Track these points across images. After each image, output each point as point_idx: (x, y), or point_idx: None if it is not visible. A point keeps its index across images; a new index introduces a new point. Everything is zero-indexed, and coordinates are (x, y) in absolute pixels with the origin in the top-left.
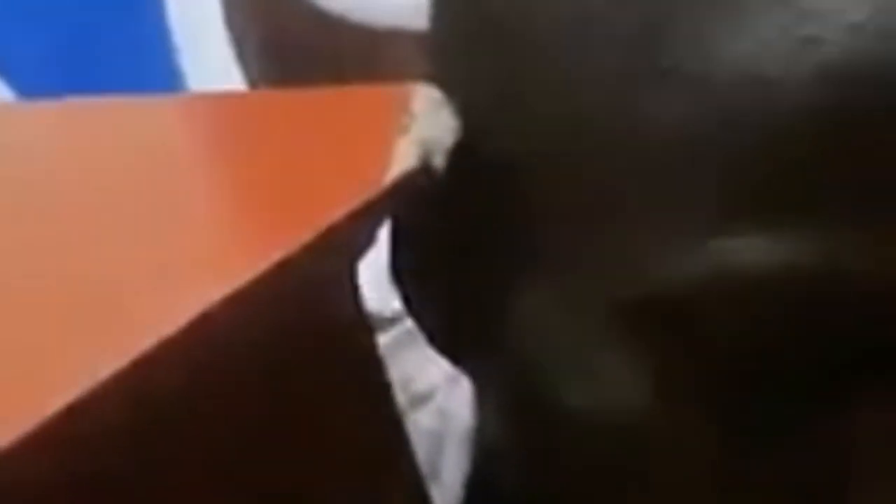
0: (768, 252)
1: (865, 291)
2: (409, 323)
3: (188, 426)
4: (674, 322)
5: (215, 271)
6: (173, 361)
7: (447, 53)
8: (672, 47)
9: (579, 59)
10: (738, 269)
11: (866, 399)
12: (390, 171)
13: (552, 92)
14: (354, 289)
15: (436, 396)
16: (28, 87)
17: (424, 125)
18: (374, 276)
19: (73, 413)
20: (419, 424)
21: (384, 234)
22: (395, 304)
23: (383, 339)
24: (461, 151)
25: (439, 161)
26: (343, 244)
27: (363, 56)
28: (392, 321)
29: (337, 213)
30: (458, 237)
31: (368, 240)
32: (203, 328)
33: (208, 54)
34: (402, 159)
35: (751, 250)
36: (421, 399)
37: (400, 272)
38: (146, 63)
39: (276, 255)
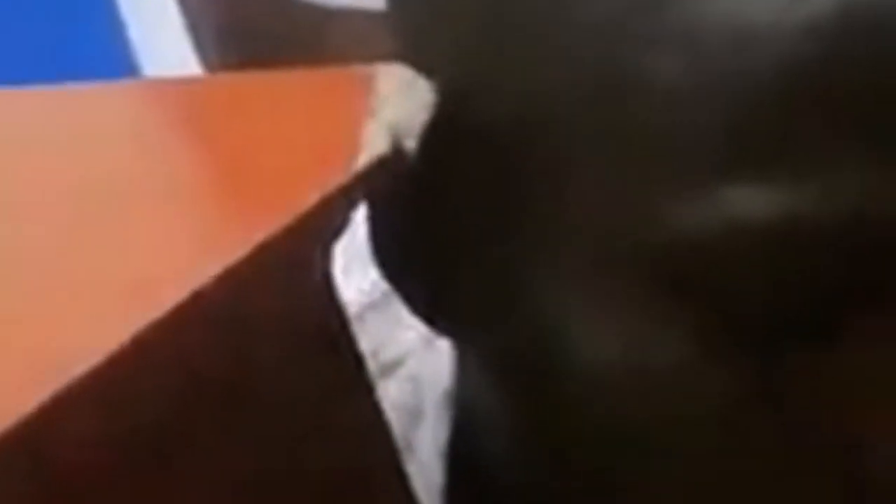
0: (770, 201)
1: (866, 234)
2: (380, 288)
3: (165, 412)
4: (685, 274)
5: (188, 259)
6: (154, 351)
7: (417, 27)
8: (665, 3)
9: (570, 18)
10: (742, 219)
11: (856, 338)
12: (361, 155)
13: (542, 55)
14: (327, 272)
15: (407, 363)
16: None
17: (394, 107)
18: (350, 258)
19: (50, 408)
20: (391, 393)
21: (360, 212)
22: (371, 280)
23: (353, 307)
24: (442, 122)
25: (411, 144)
26: (316, 230)
27: (319, 36)
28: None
29: (309, 198)
30: (447, 206)
31: (342, 224)
32: (181, 315)
33: (163, 42)
34: (373, 143)
35: (753, 200)
36: (391, 366)
37: (380, 244)
38: (99, 52)
39: (250, 242)
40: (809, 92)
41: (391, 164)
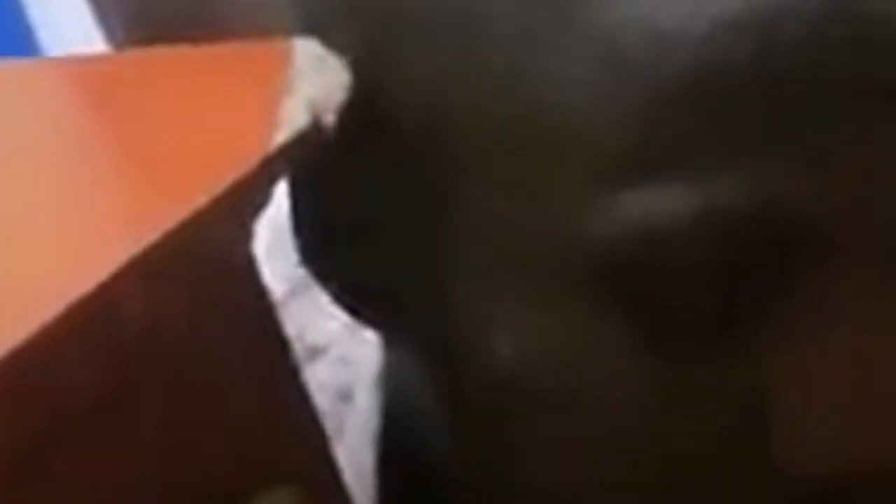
0: (679, 199)
1: (743, 227)
2: (301, 273)
3: (84, 393)
4: (599, 271)
5: (96, 246)
6: (70, 335)
7: (326, 9)
8: (574, 8)
9: (479, 21)
10: (651, 217)
11: (778, 318)
12: (280, 132)
13: (452, 54)
14: (249, 251)
15: (332, 348)
16: None
17: (311, 82)
18: (272, 241)
19: None
20: (320, 376)
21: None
22: (293, 265)
23: (277, 292)
24: (356, 106)
25: (330, 119)
26: (235, 208)
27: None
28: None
29: (228, 177)
30: (364, 194)
31: (262, 201)
32: (99, 298)
33: (63, 20)
34: (292, 119)
35: (663, 199)
36: (318, 350)
37: (301, 233)
38: None
39: (164, 225)
40: (717, 91)
41: (311, 140)
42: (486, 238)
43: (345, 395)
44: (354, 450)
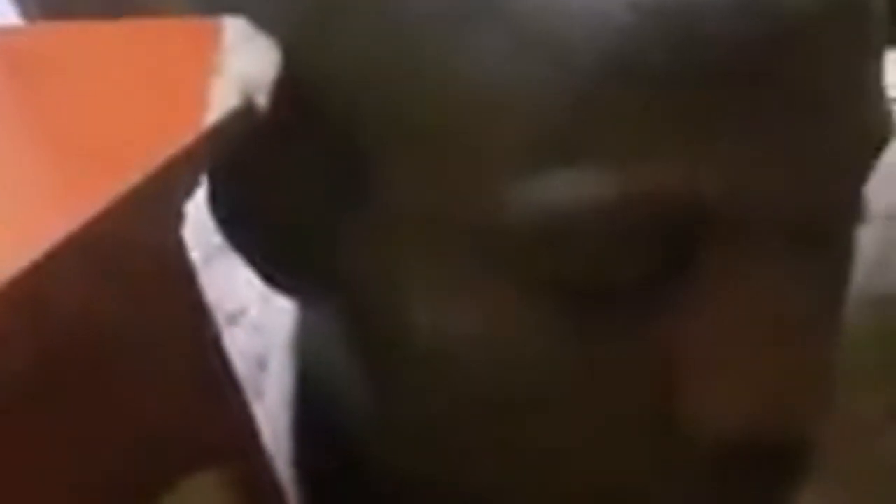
0: (585, 182)
1: (651, 207)
2: (216, 240)
3: (7, 375)
4: (518, 250)
5: (31, 226)
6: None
7: None
8: None
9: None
10: (567, 200)
11: (674, 300)
12: (210, 112)
13: (376, 27)
14: (179, 233)
15: (248, 314)
16: None
17: (240, 61)
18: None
19: None
20: (238, 341)
21: None
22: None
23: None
24: (280, 81)
25: (262, 100)
26: (165, 191)
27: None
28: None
29: (157, 159)
30: (284, 165)
31: (193, 184)
32: (26, 283)
33: None
34: (222, 99)
35: (569, 182)
36: (236, 315)
37: (219, 200)
38: None
39: (96, 206)
40: (636, 79)
41: (243, 120)
42: (406, 217)
43: (261, 363)
44: (272, 413)
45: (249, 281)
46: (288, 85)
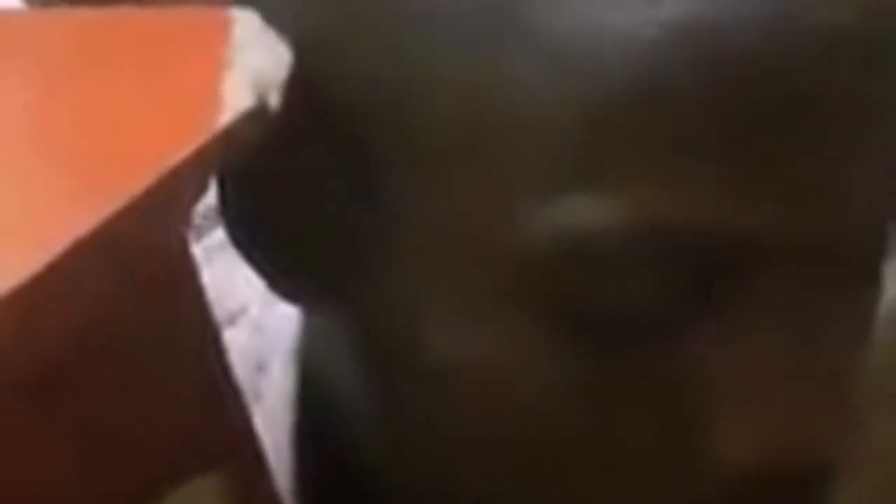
0: (612, 208)
1: (673, 239)
2: (218, 236)
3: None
4: (531, 273)
5: (35, 232)
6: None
7: None
8: (530, 6)
9: (426, 13)
10: (585, 222)
11: (700, 331)
12: (223, 111)
13: (394, 46)
14: (185, 237)
15: (248, 314)
16: None
17: (252, 57)
18: None
19: None
20: (239, 341)
21: None
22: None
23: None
24: (300, 86)
25: (275, 101)
26: (174, 195)
27: None
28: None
29: (168, 162)
30: (300, 171)
31: (203, 188)
32: (35, 289)
33: None
34: (235, 98)
35: (597, 207)
36: (236, 314)
37: (230, 206)
38: None
39: (103, 212)
40: (661, 99)
41: (256, 121)
42: (421, 235)
43: (260, 365)
44: (272, 418)
45: (250, 280)
46: (300, 87)
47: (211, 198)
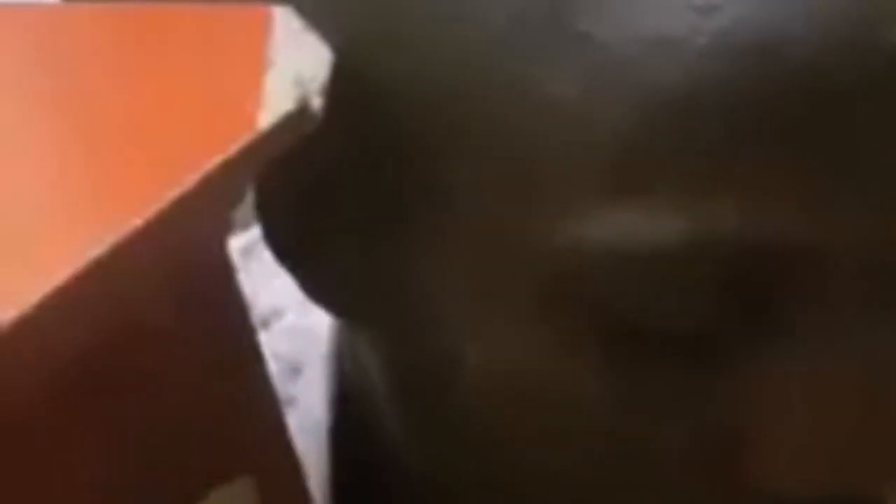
0: (654, 222)
1: (730, 253)
2: (251, 235)
3: (44, 382)
4: (570, 287)
5: (75, 234)
6: (40, 327)
7: None
8: (578, 14)
9: (470, 15)
10: (631, 233)
11: (747, 358)
12: (263, 112)
13: (433, 55)
14: (225, 244)
15: (286, 315)
16: None
17: (293, 57)
18: None
19: None
20: (273, 345)
21: None
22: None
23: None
24: (343, 86)
25: (317, 104)
26: (216, 200)
27: None
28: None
29: (209, 162)
30: (336, 180)
31: (243, 192)
32: (76, 290)
33: None
34: (277, 99)
35: (638, 221)
36: (270, 317)
37: (269, 217)
38: None
39: (142, 214)
40: (710, 107)
41: (298, 124)
42: (461, 244)
43: (295, 369)
44: (305, 423)
45: (286, 283)
46: (341, 90)
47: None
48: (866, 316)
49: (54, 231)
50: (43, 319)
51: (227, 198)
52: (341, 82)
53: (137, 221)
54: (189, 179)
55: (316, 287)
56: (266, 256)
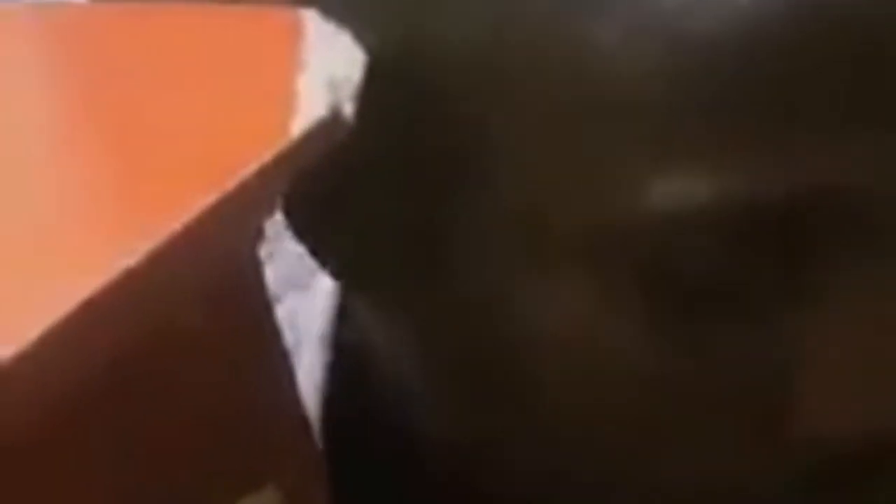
0: (709, 184)
1: (781, 214)
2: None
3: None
4: (618, 246)
5: (108, 241)
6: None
7: None
8: None
9: None
10: (676, 195)
11: (792, 310)
12: (296, 118)
13: (487, 7)
14: (256, 253)
15: (285, 298)
16: None
17: (325, 60)
18: None
19: None
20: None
21: None
22: None
23: None
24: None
25: (349, 109)
26: (247, 209)
27: None
28: None
29: (243, 170)
30: (370, 162)
31: (276, 201)
32: (107, 300)
33: None
34: (310, 104)
35: (692, 184)
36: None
37: (293, 200)
38: None
39: (170, 225)
40: (761, 68)
41: (332, 131)
42: (504, 219)
43: (293, 348)
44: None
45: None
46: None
47: None
48: (889, 267)
49: (87, 238)
50: (75, 329)
51: (257, 208)
52: (381, 52)
53: (169, 231)
54: (220, 190)
55: (340, 266)
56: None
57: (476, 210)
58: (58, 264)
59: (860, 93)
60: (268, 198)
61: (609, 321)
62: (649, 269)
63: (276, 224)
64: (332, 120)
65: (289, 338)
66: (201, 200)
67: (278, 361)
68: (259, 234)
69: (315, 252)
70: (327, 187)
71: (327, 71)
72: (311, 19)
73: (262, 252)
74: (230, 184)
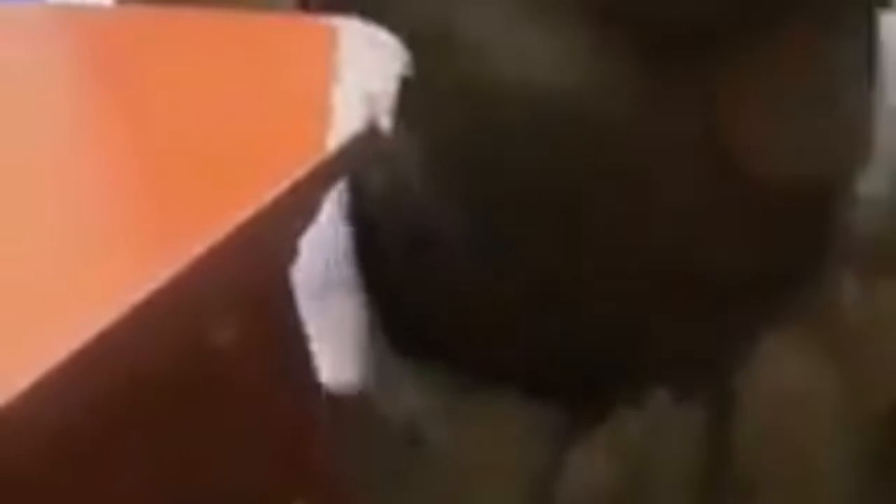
0: None
1: None
2: None
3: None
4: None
5: (144, 255)
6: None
7: None
8: None
9: None
10: None
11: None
12: (332, 131)
13: None
14: (289, 270)
15: None
16: None
17: (361, 71)
18: None
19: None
20: None
21: None
22: None
23: None
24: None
25: (386, 122)
26: (285, 222)
27: None
28: None
29: (277, 184)
30: None
31: (312, 217)
32: (138, 318)
33: None
34: (345, 117)
35: None
36: None
37: None
38: None
39: (209, 240)
40: None
41: (368, 145)
42: None
43: None
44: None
45: None
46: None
47: None
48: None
49: (122, 252)
50: (113, 342)
51: (293, 222)
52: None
53: (205, 245)
54: (256, 204)
55: None
56: None
57: None
58: (95, 275)
59: None
60: (303, 212)
61: (599, 67)
62: (640, 22)
63: None
64: (369, 135)
65: None
66: (237, 215)
67: (309, 377)
68: (295, 249)
69: None
70: None
71: (362, 84)
72: (346, 28)
73: None
74: (266, 198)
